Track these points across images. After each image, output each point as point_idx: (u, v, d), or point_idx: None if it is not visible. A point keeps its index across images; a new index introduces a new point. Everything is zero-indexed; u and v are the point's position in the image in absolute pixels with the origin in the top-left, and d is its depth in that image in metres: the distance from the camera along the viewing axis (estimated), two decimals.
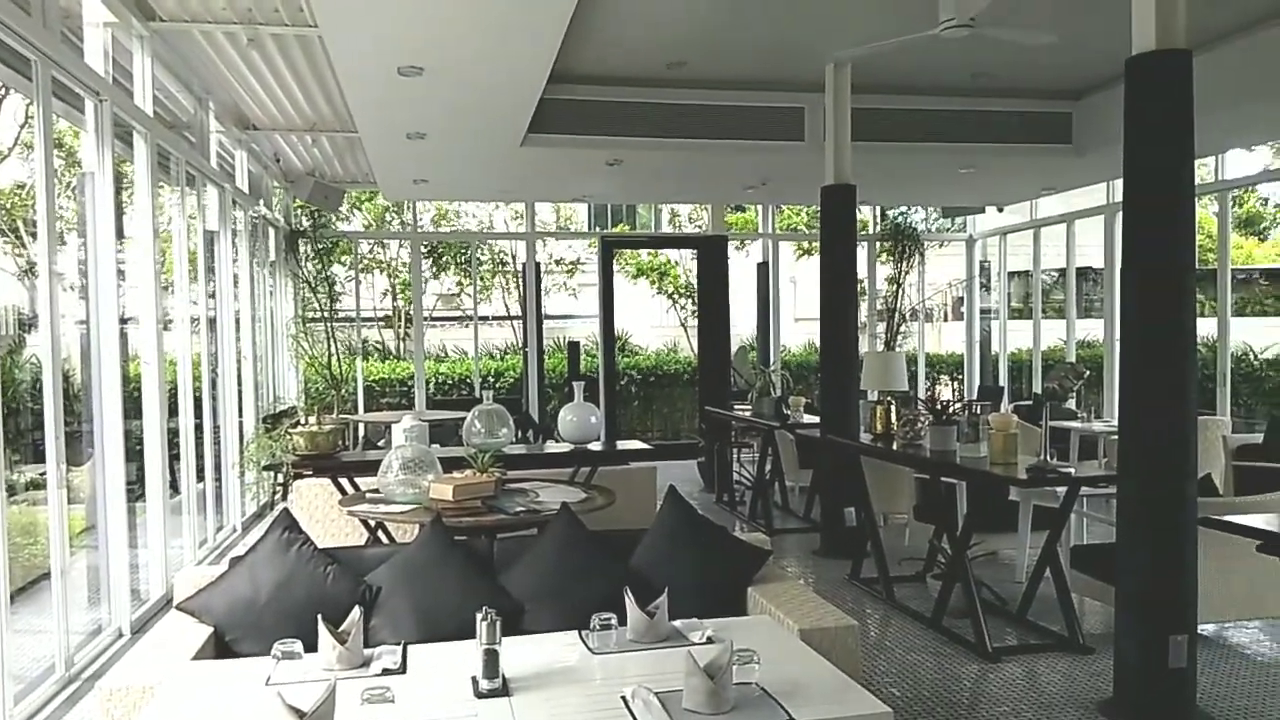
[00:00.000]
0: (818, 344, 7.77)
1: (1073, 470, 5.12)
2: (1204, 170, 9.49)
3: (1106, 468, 5.15)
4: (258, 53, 6.62)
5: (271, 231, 10.49)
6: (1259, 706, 4.26)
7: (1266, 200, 20.06)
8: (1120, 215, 4.19)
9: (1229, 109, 6.66)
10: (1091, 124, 8.14)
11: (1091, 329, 12.23)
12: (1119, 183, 4.19)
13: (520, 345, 14.48)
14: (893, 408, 6.31)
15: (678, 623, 3.02)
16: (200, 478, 7.14)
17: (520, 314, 14.39)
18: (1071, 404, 8.89)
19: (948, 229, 13.88)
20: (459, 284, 17.45)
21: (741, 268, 13.87)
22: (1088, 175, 9.46)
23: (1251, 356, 12.90)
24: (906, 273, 12.86)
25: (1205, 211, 13.66)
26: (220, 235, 7.94)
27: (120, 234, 5.57)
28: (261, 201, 9.94)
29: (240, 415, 8.46)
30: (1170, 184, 3.96)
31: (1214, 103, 5.61)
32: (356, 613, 2.86)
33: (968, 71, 7.49)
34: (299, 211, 11.23)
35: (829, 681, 2.59)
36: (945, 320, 16.34)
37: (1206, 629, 5.03)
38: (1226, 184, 9.39)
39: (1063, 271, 12.07)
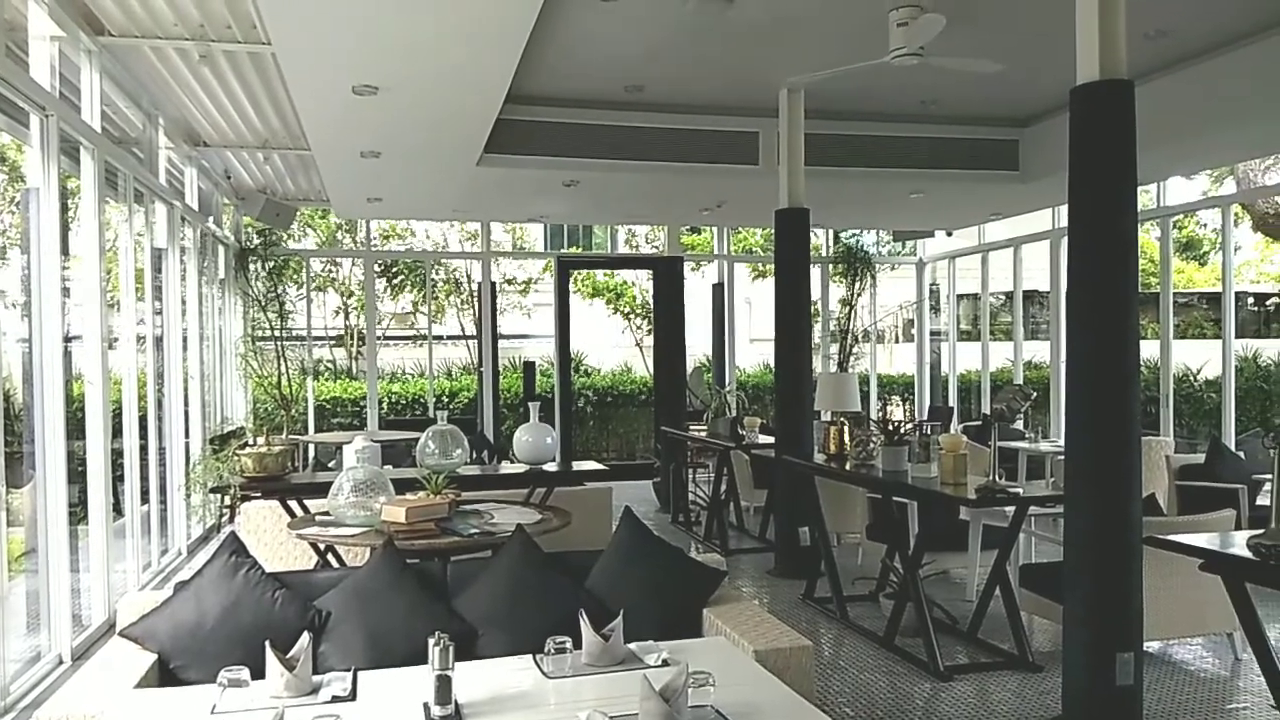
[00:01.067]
0: (773, 364, 7.83)
1: (1020, 490, 5.20)
2: (1146, 197, 9.75)
3: (1053, 487, 5.25)
4: (209, 69, 6.55)
5: (221, 249, 10.34)
6: None
7: (1205, 226, 20.68)
8: (1065, 240, 4.29)
9: (1170, 138, 6.86)
10: (1037, 151, 8.33)
11: (1038, 351, 12.47)
12: (1064, 208, 4.30)
13: (475, 365, 14.40)
14: (846, 428, 6.37)
15: (633, 645, 3.01)
16: (145, 500, 6.98)
17: (475, 333, 14.32)
18: (1019, 425, 9.04)
19: (899, 252, 14.10)
20: (413, 303, 17.35)
21: (697, 289, 13.96)
22: (1034, 201, 9.67)
23: (1192, 378, 13.24)
24: (859, 295, 13.02)
25: (1147, 237, 14.04)
26: (168, 253, 7.81)
27: (65, 251, 5.46)
28: (211, 219, 9.80)
29: (187, 436, 8.29)
30: (1113, 210, 4.06)
31: (1156, 132, 5.78)
32: (305, 638, 2.81)
33: (917, 99, 7.64)
34: (250, 229, 11.09)
35: (784, 703, 2.60)
36: (897, 342, 16.56)
37: (1152, 646, 5.12)
38: (1168, 210, 9.65)
39: (1010, 295, 12.31)
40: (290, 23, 4.64)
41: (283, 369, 10.56)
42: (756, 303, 16.74)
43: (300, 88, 5.79)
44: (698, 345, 13.75)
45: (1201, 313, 18.81)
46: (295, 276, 13.29)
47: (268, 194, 10.35)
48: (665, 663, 2.86)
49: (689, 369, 11.74)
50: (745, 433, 8.46)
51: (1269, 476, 3.54)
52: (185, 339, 8.37)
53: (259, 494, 5.60)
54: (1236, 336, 9.07)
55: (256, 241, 10.77)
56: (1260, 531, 3.39)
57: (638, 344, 16.91)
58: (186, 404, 8.34)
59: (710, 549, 7.82)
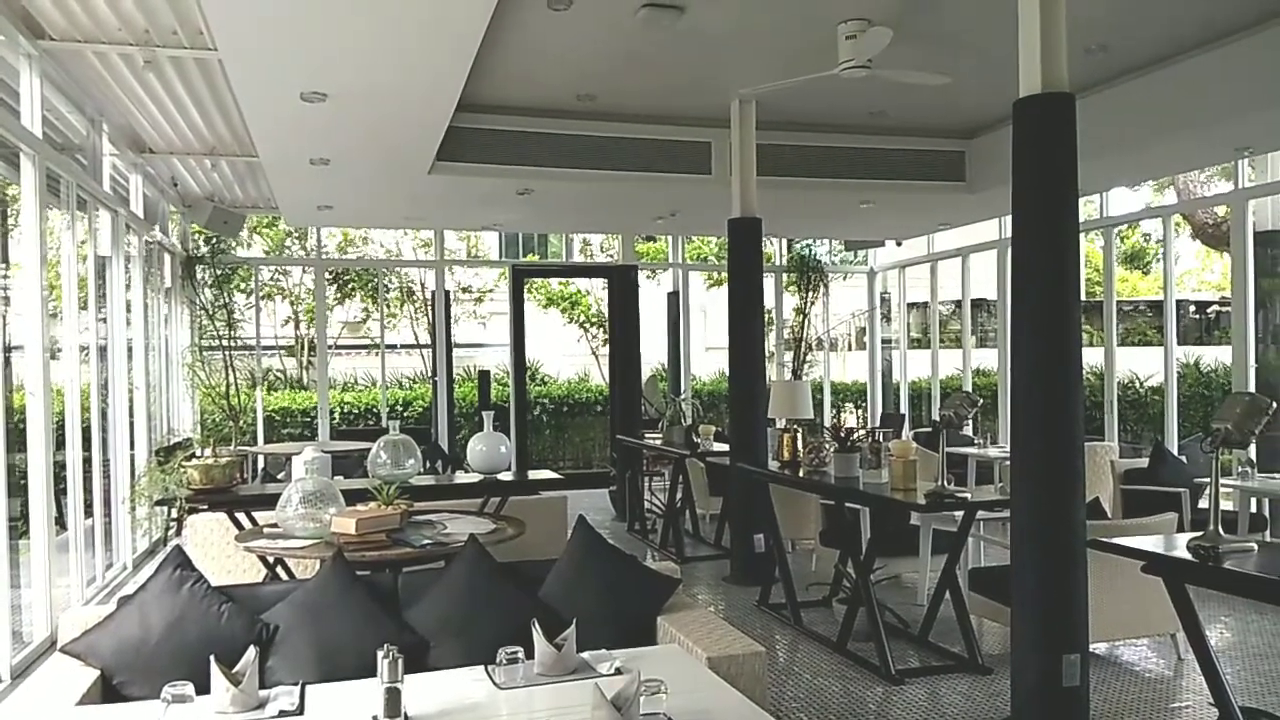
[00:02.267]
0: (727, 372, 7.88)
1: (969, 495, 5.28)
2: (1090, 207, 9.98)
3: (1001, 492, 5.33)
4: (154, 75, 6.43)
5: (167, 257, 10.16)
6: None
7: (1149, 236, 21.19)
8: (1011, 250, 4.38)
9: (1111, 150, 7.03)
10: (983, 163, 8.49)
11: (987, 358, 12.68)
12: (1010, 218, 4.38)
13: (429, 374, 14.29)
14: (799, 435, 6.42)
15: (586, 654, 3.00)
16: (89, 513, 6.82)
17: (429, 342, 14.22)
18: (968, 431, 9.18)
19: (850, 261, 14.26)
20: (365, 311, 17.17)
21: (652, 297, 13.99)
22: (980, 211, 9.85)
23: (1137, 384, 13.55)
24: (812, 303, 13.16)
25: (1092, 246, 14.36)
26: (113, 261, 7.65)
27: (5, 259, 5.33)
28: (157, 227, 9.62)
29: (132, 448, 8.12)
30: (1056, 219, 4.15)
31: (1097, 144, 5.93)
32: (252, 652, 2.76)
33: (867, 111, 7.75)
34: (197, 237, 10.91)
35: (736, 709, 2.61)
36: (849, 350, 16.73)
37: (1098, 648, 5.22)
38: (1111, 220, 9.88)
39: (958, 303, 12.52)
40: (237, 29, 4.58)
41: (231, 379, 10.38)
42: (711, 311, 16.84)
43: (248, 95, 5.72)
44: (653, 353, 13.78)
45: (1145, 320, 19.26)
46: (244, 285, 13.10)
47: (215, 201, 10.19)
48: (618, 671, 2.86)
49: (644, 377, 11.76)
50: (700, 440, 8.50)
51: (1209, 480, 3.63)
52: (130, 349, 8.20)
53: (206, 506, 5.50)
54: (1178, 344, 9.30)
55: (204, 249, 10.59)
56: (1200, 534, 3.48)
57: (593, 353, 16.90)
58: (132, 415, 8.17)
59: (665, 557, 7.83)
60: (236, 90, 5.69)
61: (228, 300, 10.67)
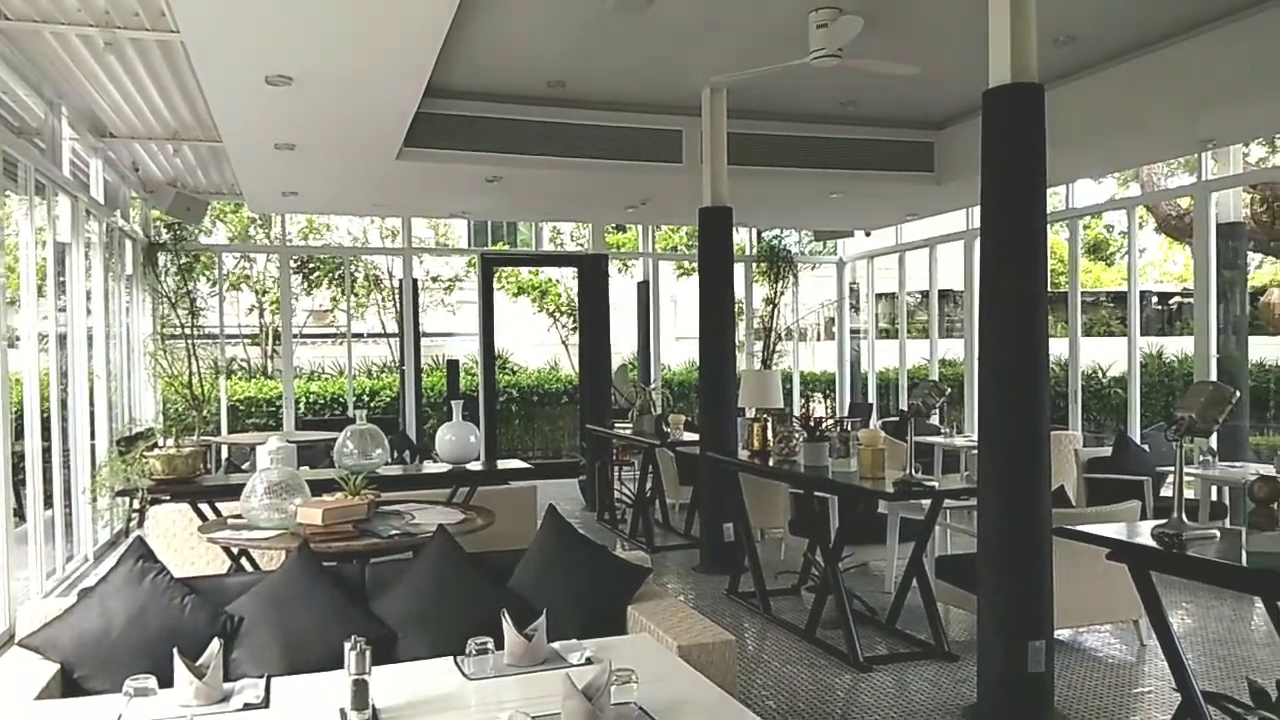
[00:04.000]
0: (697, 362, 7.87)
1: (936, 484, 5.32)
2: (1056, 199, 10.07)
3: (967, 481, 5.38)
4: (115, 57, 6.30)
5: (129, 244, 9.98)
6: (1111, 707, 4.51)
7: (1112, 228, 21.47)
8: (979, 240, 4.40)
9: (1078, 141, 7.09)
10: (952, 153, 8.54)
11: (953, 349, 12.79)
12: (978, 209, 4.40)
13: (397, 363, 14.18)
14: (769, 425, 6.44)
15: (556, 644, 2.98)
16: (49, 504, 6.69)
17: (397, 331, 14.09)
18: (935, 420, 9.26)
19: (819, 252, 14.31)
20: (333, 300, 17.00)
21: (622, 287, 13.97)
22: (948, 202, 9.91)
23: (1100, 374, 13.73)
24: (781, 293, 13.20)
25: (1056, 238, 14.51)
26: (73, 247, 7.50)
27: None
28: (118, 213, 9.44)
29: (93, 438, 7.98)
30: (1023, 210, 4.18)
31: (1065, 135, 5.97)
32: (216, 645, 2.72)
33: (837, 101, 7.76)
34: (159, 223, 10.73)
35: (706, 698, 2.61)
36: (819, 340, 16.83)
37: (1063, 634, 5.28)
38: (1076, 212, 9.98)
39: (926, 294, 12.61)
40: (201, 10, 4.49)
41: (194, 368, 10.25)
42: (681, 301, 16.82)
43: (211, 78, 5.61)
44: (623, 343, 13.77)
45: (1108, 311, 19.54)
46: (207, 272, 12.90)
47: (178, 187, 10.02)
48: (589, 661, 2.84)
49: (614, 367, 11.74)
50: (670, 430, 8.50)
51: (1172, 469, 3.68)
52: (91, 337, 8.05)
53: (168, 497, 5.41)
54: (1141, 334, 9.41)
55: (166, 236, 10.43)
56: (1163, 521, 3.52)
57: (563, 342, 16.85)
58: (92, 404, 8.03)
59: (635, 546, 7.82)
60: (200, 73, 5.58)
61: (190, 288, 10.52)
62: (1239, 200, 8.93)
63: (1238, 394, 3.49)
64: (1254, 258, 13.22)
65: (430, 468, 6.39)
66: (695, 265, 8.63)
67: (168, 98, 7.32)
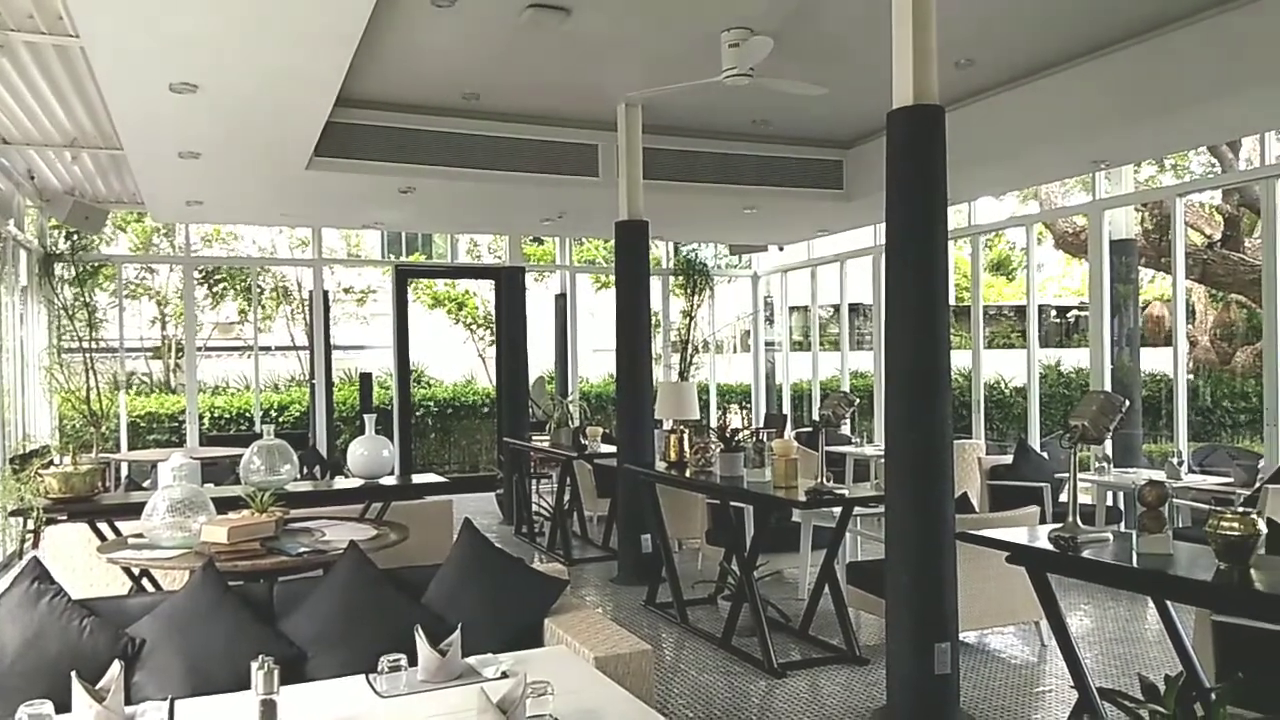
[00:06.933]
0: (615, 374, 7.90)
1: (847, 492, 5.44)
2: (959, 216, 10.41)
3: (877, 488, 5.52)
4: (8, 60, 6.05)
5: (23, 254, 9.57)
6: (1014, 705, 4.67)
7: (1013, 245, 22.26)
8: (885, 255, 4.53)
9: (978, 160, 7.36)
10: (860, 171, 8.77)
11: (863, 360, 13.11)
12: (884, 226, 4.53)
13: (307, 377, 13.86)
14: (686, 436, 6.50)
15: (472, 659, 2.97)
16: None
17: (307, 344, 13.79)
18: (846, 430, 9.46)
19: (735, 265, 14.52)
20: (240, 312, 16.54)
21: (540, 299, 13.93)
22: (857, 218, 10.15)
23: (1002, 385, 14.22)
24: (698, 306, 13.36)
25: (960, 254, 15.00)
26: None
27: None
28: (12, 221, 9.05)
29: None
30: (926, 227, 4.32)
31: (966, 154, 6.19)
32: (116, 668, 2.63)
33: (749, 119, 7.91)
34: (56, 233, 10.31)
35: (623, 708, 2.63)
36: (734, 352, 17.03)
37: (968, 637, 5.45)
38: (978, 229, 10.34)
39: (837, 307, 12.89)
40: (101, 16, 4.36)
41: (92, 383, 9.86)
42: (599, 313, 16.85)
43: (112, 85, 5.44)
44: (541, 355, 13.73)
45: (1009, 324, 20.25)
46: (107, 284, 12.45)
47: (76, 195, 9.65)
48: (504, 674, 2.84)
49: (532, 379, 11.70)
50: (588, 442, 8.50)
51: (1068, 475, 3.84)
52: None
53: (65, 516, 5.21)
54: (1040, 346, 9.79)
55: (63, 246, 10.03)
56: (1060, 525, 3.68)
57: (480, 355, 16.69)
58: None
59: (553, 559, 7.80)
60: (100, 80, 5.41)
61: (89, 300, 10.14)
62: (1131, 218, 9.37)
63: (1128, 403, 3.67)
64: (1146, 273, 13.86)
65: (342, 483, 6.28)
66: (613, 278, 8.66)
67: (66, 104, 7.05)
